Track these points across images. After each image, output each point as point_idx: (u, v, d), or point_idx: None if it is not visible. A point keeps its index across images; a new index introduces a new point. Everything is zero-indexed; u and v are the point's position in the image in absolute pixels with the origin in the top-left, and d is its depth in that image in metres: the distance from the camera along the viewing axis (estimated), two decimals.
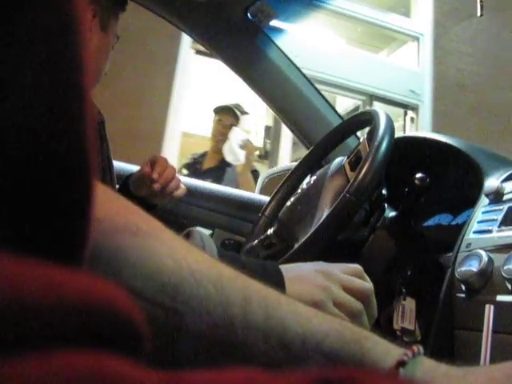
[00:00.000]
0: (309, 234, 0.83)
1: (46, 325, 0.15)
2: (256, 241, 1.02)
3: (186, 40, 3.80)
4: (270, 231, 1.01)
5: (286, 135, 4.15)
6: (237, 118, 2.61)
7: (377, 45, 4.79)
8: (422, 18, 4.40)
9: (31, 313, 0.14)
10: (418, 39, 4.41)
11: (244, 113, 2.70)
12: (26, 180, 0.17)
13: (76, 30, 0.18)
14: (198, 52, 3.93)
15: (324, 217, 0.84)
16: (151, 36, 3.33)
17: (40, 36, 0.17)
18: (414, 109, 4.28)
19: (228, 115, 2.63)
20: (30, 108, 0.17)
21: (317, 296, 0.56)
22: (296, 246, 0.90)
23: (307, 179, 1.10)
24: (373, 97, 4.09)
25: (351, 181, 0.82)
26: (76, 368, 0.14)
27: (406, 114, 4.32)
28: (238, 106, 2.68)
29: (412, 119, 4.25)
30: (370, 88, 4.08)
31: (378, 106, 4.33)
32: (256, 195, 1.84)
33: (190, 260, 0.33)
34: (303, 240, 0.84)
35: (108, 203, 0.32)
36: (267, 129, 4.85)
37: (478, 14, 0.97)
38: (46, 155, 0.18)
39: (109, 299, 0.17)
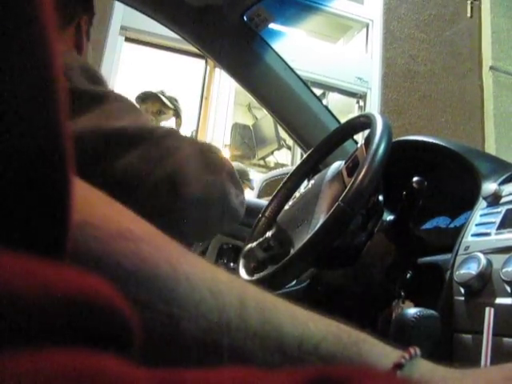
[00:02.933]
0: (303, 242, 0.83)
1: (31, 321, 0.14)
2: (255, 243, 1.01)
3: (114, 26, 3.48)
4: (268, 234, 1.01)
5: None
6: (164, 104, 2.49)
7: (334, 35, 4.68)
8: (374, 3, 4.25)
9: (16, 308, 0.14)
10: (367, 25, 4.29)
11: (171, 98, 2.55)
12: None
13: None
14: (128, 39, 3.60)
15: (319, 225, 0.84)
16: None
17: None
18: (362, 97, 4.14)
19: (154, 101, 2.50)
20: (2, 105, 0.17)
21: None
22: (292, 251, 0.90)
23: (305, 183, 1.10)
24: (315, 84, 3.88)
25: (346, 189, 0.82)
26: (64, 366, 0.13)
27: (358, 103, 4.17)
28: (162, 92, 2.54)
29: (360, 107, 4.14)
30: (315, 76, 3.88)
31: (330, 95, 4.24)
32: (254, 199, 1.84)
33: (185, 264, 0.32)
34: (298, 248, 0.84)
35: (101, 208, 0.32)
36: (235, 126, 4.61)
37: (468, 14, 0.97)
38: (19, 146, 0.17)
39: (96, 293, 0.16)
